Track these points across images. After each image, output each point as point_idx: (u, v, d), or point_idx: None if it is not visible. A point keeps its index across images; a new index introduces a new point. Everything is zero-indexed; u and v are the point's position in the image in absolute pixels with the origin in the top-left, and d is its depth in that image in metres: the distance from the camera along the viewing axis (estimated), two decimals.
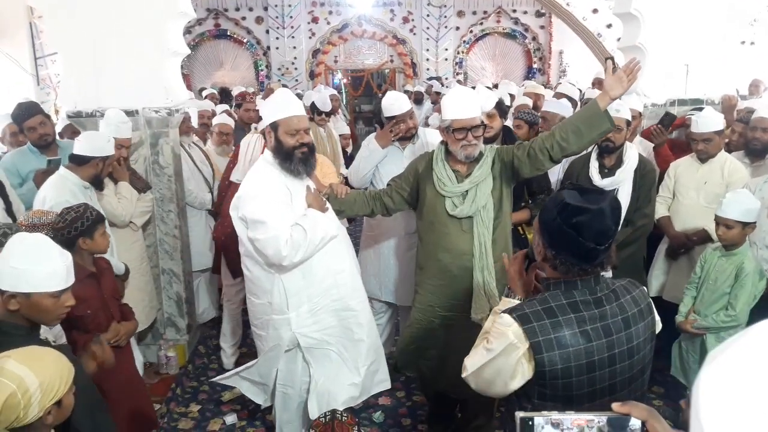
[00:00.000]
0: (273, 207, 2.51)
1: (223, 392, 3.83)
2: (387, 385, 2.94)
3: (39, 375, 1.52)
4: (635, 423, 0.92)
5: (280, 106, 2.62)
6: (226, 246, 3.88)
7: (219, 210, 4.21)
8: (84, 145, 3.22)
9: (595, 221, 1.53)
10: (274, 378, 2.82)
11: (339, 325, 2.73)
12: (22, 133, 4.01)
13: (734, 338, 0.60)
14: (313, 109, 5.50)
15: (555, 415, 0.91)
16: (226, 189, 4.07)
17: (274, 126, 2.61)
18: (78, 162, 3.22)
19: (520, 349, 1.57)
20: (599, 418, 0.92)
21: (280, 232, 2.46)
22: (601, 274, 3.31)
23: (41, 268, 1.85)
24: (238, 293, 4.06)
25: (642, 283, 3.50)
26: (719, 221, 2.95)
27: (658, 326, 1.73)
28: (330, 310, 2.70)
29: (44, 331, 2.16)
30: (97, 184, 3.31)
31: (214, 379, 3.05)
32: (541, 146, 2.66)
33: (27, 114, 3.83)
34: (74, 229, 2.62)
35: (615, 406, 0.89)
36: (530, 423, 0.90)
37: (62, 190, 3.09)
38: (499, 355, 1.60)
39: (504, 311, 1.65)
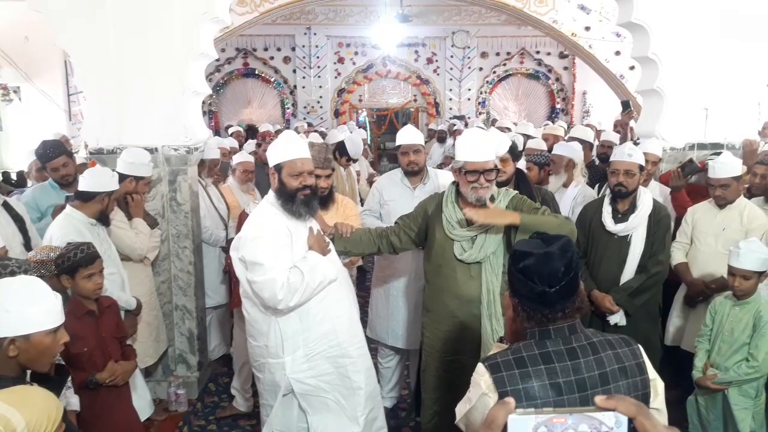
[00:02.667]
0: (272, 249, 2.49)
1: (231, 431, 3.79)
2: None
3: (26, 415, 1.51)
4: (620, 420, 0.81)
5: (284, 148, 2.62)
6: None
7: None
8: (89, 181, 3.24)
9: (541, 264, 1.56)
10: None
11: (336, 372, 2.68)
12: (46, 169, 4.12)
13: None
14: (341, 151, 5.49)
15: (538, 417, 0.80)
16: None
17: (278, 168, 2.61)
18: (83, 198, 3.24)
19: (491, 399, 1.53)
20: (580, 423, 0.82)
21: (277, 275, 2.44)
22: (613, 320, 3.23)
23: (37, 307, 1.85)
24: None
25: (657, 331, 3.41)
26: (736, 273, 2.87)
27: (658, 390, 1.62)
28: (327, 357, 2.65)
29: None
30: (104, 220, 3.32)
31: None
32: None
33: (51, 155, 3.93)
34: (57, 266, 2.63)
35: (598, 399, 0.80)
36: None
37: (68, 229, 3.11)
38: (475, 405, 1.57)
39: (481, 360, 1.63)
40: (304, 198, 2.58)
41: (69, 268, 2.65)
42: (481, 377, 1.58)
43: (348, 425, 2.69)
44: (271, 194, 2.66)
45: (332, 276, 2.59)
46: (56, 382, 1.89)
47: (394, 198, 3.58)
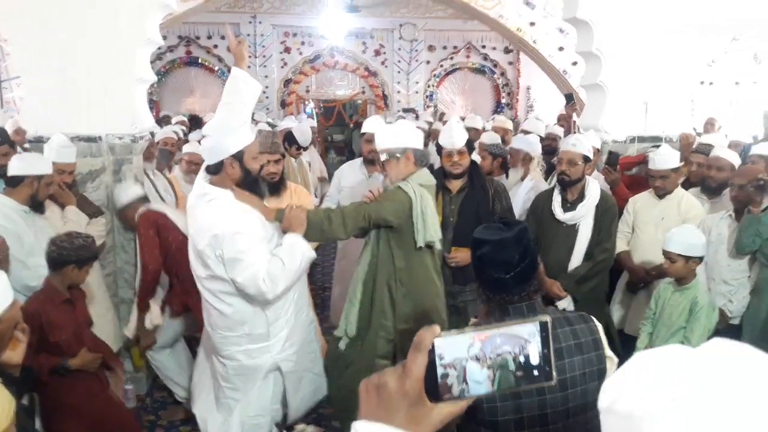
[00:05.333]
0: (251, 244, 2.47)
1: (182, 427, 3.72)
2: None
3: None
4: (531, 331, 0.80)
5: (241, 134, 2.57)
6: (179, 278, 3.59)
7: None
8: (16, 164, 3.13)
9: (496, 252, 1.61)
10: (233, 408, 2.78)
11: (304, 340, 2.83)
12: None
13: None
14: (289, 140, 5.44)
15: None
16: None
17: (238, 155, 2.53)
18: (13, 184, 3.13)
19: None
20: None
21: (257, 270, 2.43)
22: (561, 306, 3.35)
23: None
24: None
25: (605, 316, 3.55)
26: (664, 254, 3.01)
27: (612, 363, 1.72)
28: (299, 329, 2.79)
29: None
30: (37, 206, 3.18)
31: None
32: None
33: None
34: (74, 255, 2.67)
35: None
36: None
37: None
38: None
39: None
40: (269, 176, 2.60)
41: (85, 260, 2.73)
42: None
43: (318, 382, 2.92)
44: (228, 191, 2.56)
45: (310, 254, 2.60)
46: (21, 380, 1.92)
47: (351, 185, 3.63)
